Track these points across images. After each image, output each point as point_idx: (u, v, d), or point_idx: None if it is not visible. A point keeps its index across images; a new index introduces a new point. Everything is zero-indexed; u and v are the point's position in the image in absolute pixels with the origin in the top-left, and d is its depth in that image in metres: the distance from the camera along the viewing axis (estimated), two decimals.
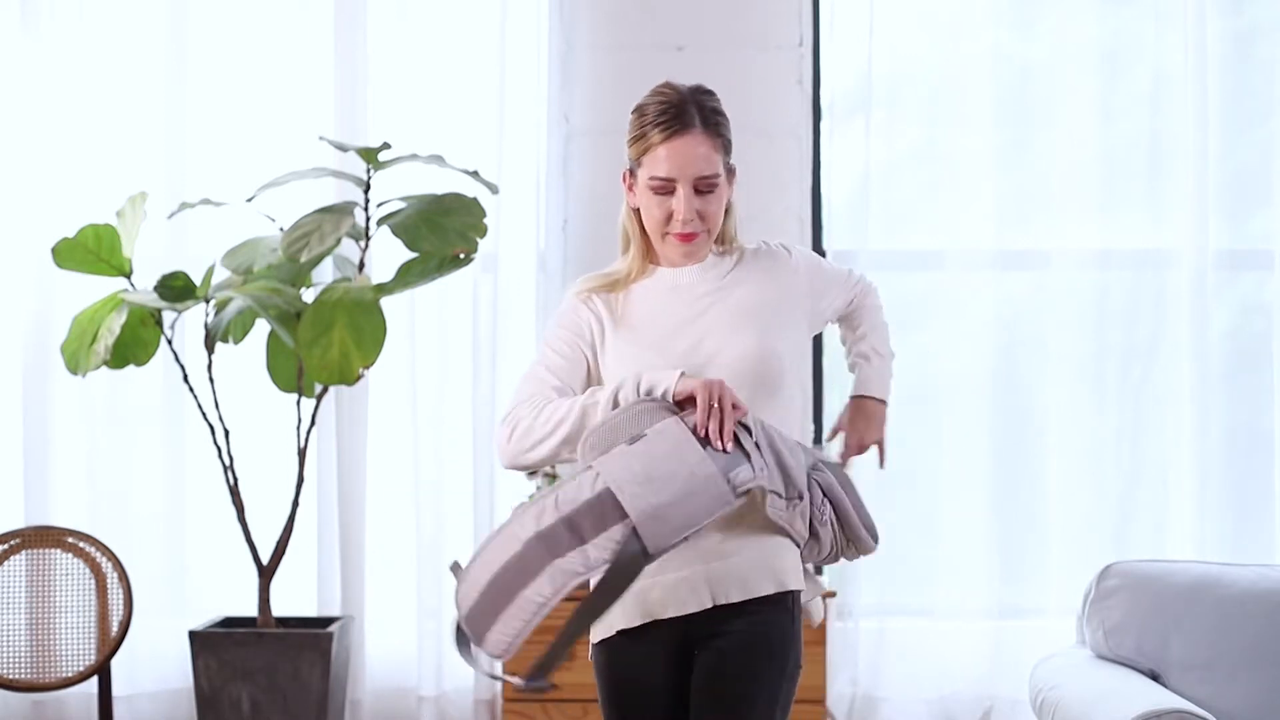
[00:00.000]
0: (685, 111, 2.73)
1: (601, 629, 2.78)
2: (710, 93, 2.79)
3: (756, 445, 2.62)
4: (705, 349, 2.74)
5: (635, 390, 2.65)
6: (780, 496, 2.66)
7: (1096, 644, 3.66)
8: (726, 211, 2.82)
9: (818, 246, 4.86)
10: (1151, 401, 4.76)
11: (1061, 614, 4.53)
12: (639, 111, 2.77)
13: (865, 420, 2.96)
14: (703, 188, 2.74)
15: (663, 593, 2.72)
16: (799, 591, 2.78)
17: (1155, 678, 3.58)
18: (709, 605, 2.72)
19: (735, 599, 2.72)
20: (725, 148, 2.77)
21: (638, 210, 2.80)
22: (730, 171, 2.80)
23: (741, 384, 2.70)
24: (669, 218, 2.74)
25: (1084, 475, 4.74)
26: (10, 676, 4.35)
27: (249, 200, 4.40)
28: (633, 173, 2.79)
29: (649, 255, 2.83)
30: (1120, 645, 3.62)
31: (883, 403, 2.96)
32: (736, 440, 2.59)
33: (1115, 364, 4.76)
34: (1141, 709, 3.24)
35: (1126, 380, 4.76)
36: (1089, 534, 4.72)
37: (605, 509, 2.57)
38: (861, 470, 4.73)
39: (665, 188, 2.73)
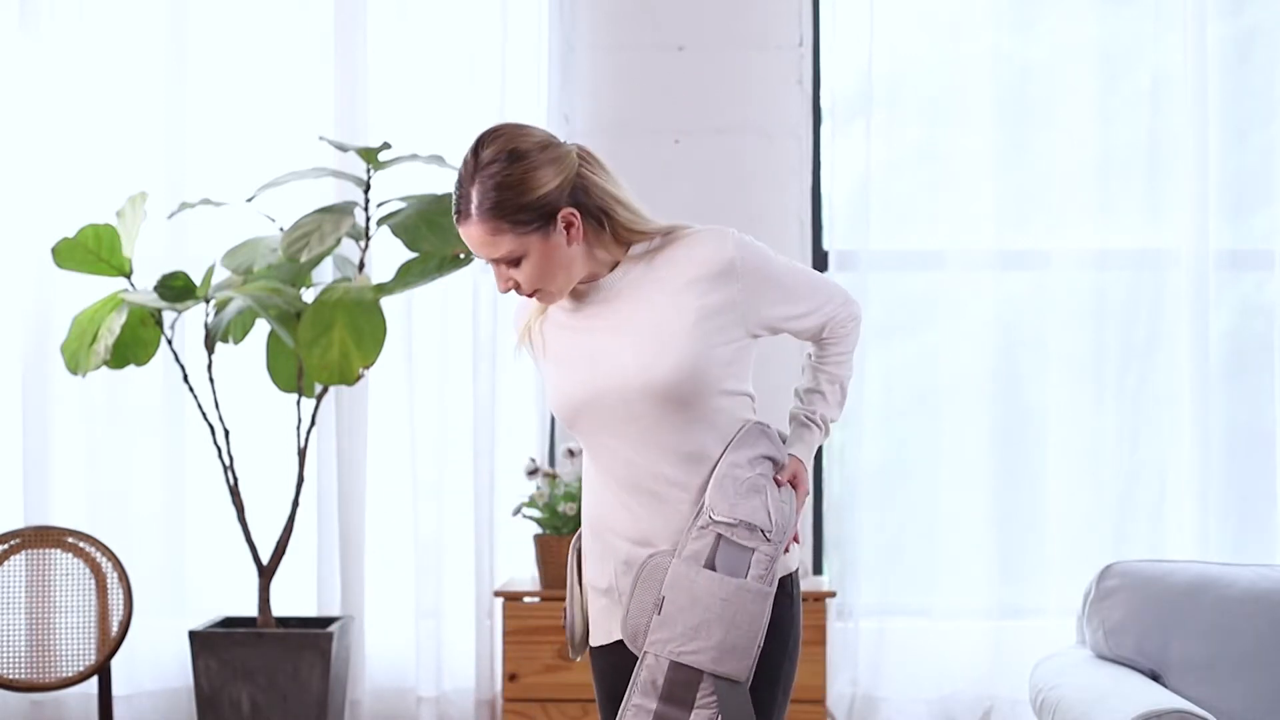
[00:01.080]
0: (464, 197, 2.63)
1: (601, 635, 2.77)
2: (493, 163, 2.60)
3: (748, 526, 2.65)
4: (612, 368, 2.68)
5: None
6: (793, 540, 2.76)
7: (1096, 644, 3.66)
8: (603, 225, 2.67)
9: (818, 246, 4.86)
10: (1151, 401, 4.76)
11: (1061, 614, 4.53)
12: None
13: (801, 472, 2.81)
14: (505, 265, 2.65)
15: None
16: (795, 572, 2.78)
17: (1155, 678, 3.58)
18: None
19: None
20: (520, 220, 2.61)
21: None
22: (546, 227, 2.62)
23: (651, 405, 2.65)
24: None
25: (1084, 475, 4.74)
26: (10, 676, 4.35)
27: (249, 200, 4.40)
28: None
29: None
30: (1120, 645, 3.62)
31: (802, 461, 2.81)
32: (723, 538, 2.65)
33: (1115, 364, 4.76)
34: (1141, 709, 3.24)
35: (1126, 380, 4.76)
36: (1089, 534, 4.72)
37: (683, 679, 2.63)
38: (862, 468, 4.77)
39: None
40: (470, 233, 2.63)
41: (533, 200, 2.61)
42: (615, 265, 2.72)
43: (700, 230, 2.71)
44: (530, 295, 2.68)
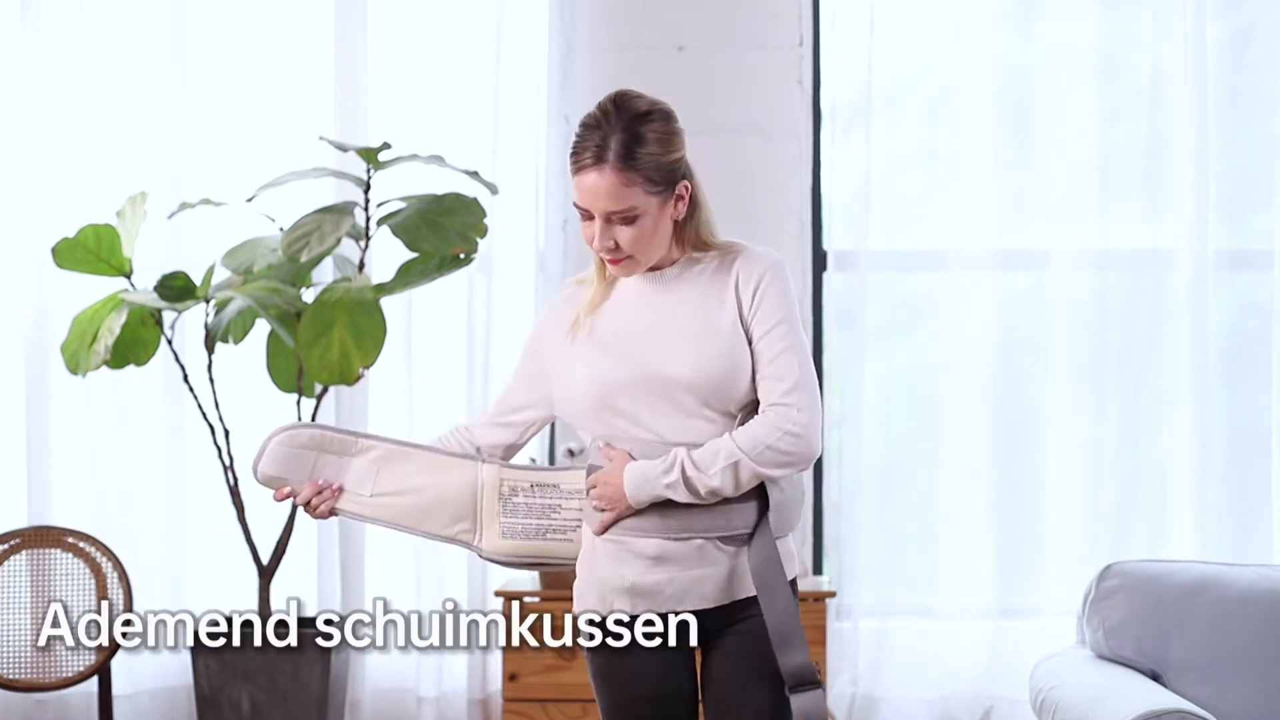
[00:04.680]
0: (602, 144, 2.65)
1: (595, 601, 2.76)
2: (645, 115, 2.68)
3: None
4: (653, 360, 2.71)
5: None
6: None
7: (1096, 644, 3.66)
8: (691, 215, 2.74)
9: (818, 246, 4.86)
10: (1151, 401, 4.77)
11: (1061, 614, 4.53)
12: (577, 127, 2.71)
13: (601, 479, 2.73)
14: (617, 220, 2.67)
15: (682, 587, 2.72)
16: (796, 578, 2.80)
17: (1155, 678, 3.58)
18: (725, 602, 2.73)
19: (753, 593, 2.73)
20: (652, 178, 2.66)
21: None
22: (668, 193, 2.69)
23: (686, 400, 2.70)
24: (593, 239, 2.71)
25: (1083, 475, 4.74)
26: (11, 676, 4.36)
27: (249, 200, 4.40)
28: None
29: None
30: (1120, 645, 3.62)
31: (621, 491, 2.70)
32: None
33: (1114, 364, 4.76)
34: (1141, 709, 3.24)
35: (1126, 380, 4.76)
36: (1089, 534, 4.72)
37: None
38: (862, 468, 4.76)
39: (585, 214, 2.69)
40: (598, 181, 2.64)
41: (670, 162, 2.68)
42: (673, 263, 2.77)
43: (755, 249, 2.77)
44: (617, 262, 2.70)
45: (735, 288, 2.73)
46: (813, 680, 2.65)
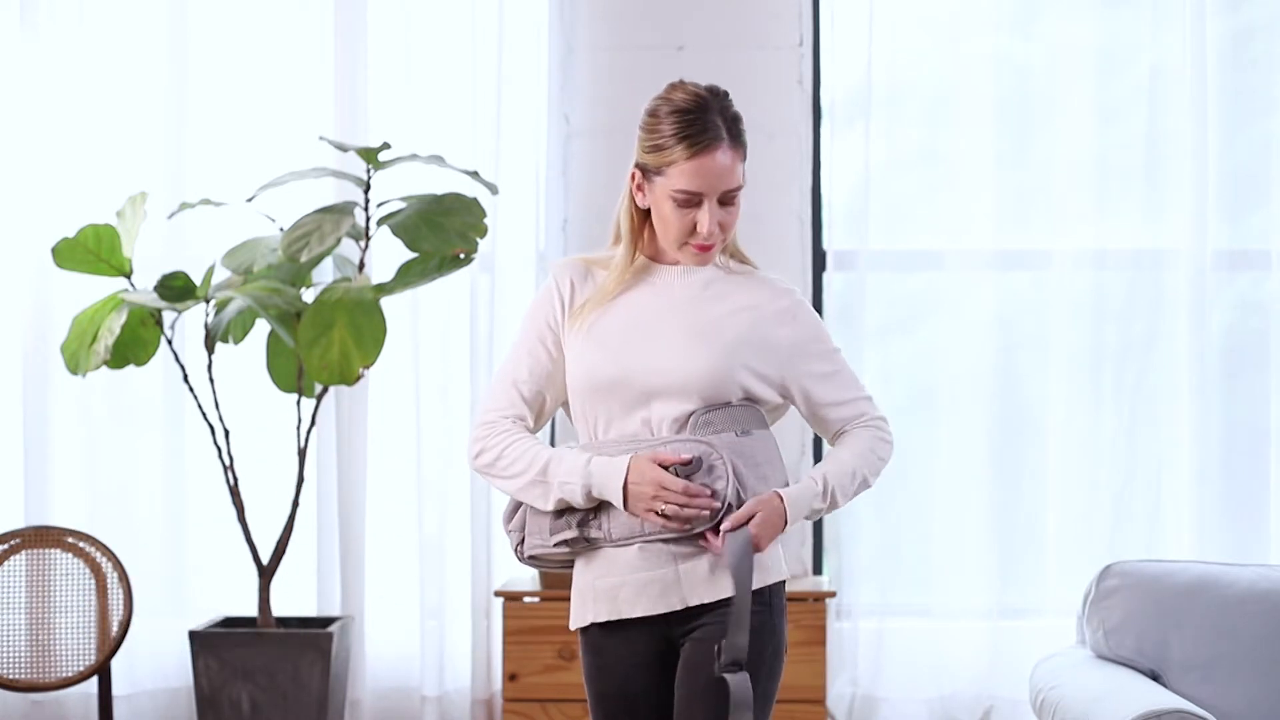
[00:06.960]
0: (712, 124, 2.72)
1: (577, 618, 2.81)
2: (726, 95, 2.79)
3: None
4: (658, 358, 2.73)
5: (583, 496, 2.70)
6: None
7: (1096, 644, 3.66)
8: None
9: (817, 246, 4.86)
10: (1150, 401, 4.77)
11: (1061, 614, 4.53)
12: (655, 116, 2.74)
13: (764, 508, 2.71)
14: (727, 200, 2.73)
15: (633, 591, 2.74)
16: (776, 584, 2.78)
17: (1155, 678, 3.58)
18: (678, 607, 2.74)
19: (706, 600, 2.73)
20: (745, 153, 2.78)
21: (639, 208, 2.79)
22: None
23: (688, 403, 2.72)
24: (691, 229, 2.73)
25: (1083, 475, 4.74)
26: (10, 677, 4.36)
27: (249, 200, 4.40)
28: (644, 173, 2.75)
29: (641, 249, 2.82)
30: (1120, 645, 3.62)
31: (783, 517, 2.71)
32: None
33: (1114, 363, 4.76)
34: (1141, 709, 3.24)
35: (1125, 380, 4.76)
36: (1088, 534, 4.72)
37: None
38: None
39: (691, 200, 2.72)
40: (722, 159, 2.72)
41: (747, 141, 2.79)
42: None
43: (776, 277, 2.85)
44: (709, 248, 2.75)
45: (757, 311, 2.77)
46: (742, 664, 2.67)
